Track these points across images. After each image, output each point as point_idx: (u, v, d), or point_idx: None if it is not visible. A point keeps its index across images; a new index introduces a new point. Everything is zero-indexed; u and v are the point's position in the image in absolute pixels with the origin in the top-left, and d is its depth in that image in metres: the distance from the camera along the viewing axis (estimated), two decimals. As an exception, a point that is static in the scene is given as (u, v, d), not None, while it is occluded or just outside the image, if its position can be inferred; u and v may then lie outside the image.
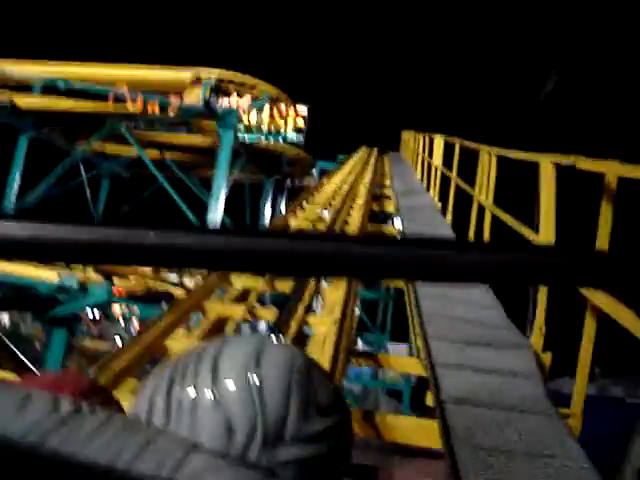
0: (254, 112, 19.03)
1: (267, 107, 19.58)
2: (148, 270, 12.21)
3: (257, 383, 0.70)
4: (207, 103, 17.01)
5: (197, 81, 16.96)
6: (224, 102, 18.24)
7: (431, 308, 4.09)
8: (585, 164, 3.03)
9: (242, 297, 4.50)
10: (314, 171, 22.50)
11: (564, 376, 11.16)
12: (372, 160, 16.77)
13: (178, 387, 0.71)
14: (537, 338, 3.66)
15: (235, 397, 0.69)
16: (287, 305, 4.17)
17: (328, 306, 4.28)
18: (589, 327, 2.94)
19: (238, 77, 18.04)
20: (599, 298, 2.72)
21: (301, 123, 22.72)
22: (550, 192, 3.61)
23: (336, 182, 11.84)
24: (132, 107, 17.95)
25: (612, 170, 2.73)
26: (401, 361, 4.44)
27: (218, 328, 3.96)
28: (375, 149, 21.31)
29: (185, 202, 17.45)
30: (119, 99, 17.99)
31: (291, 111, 21.71)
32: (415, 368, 3.88)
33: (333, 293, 4.41)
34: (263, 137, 20.48)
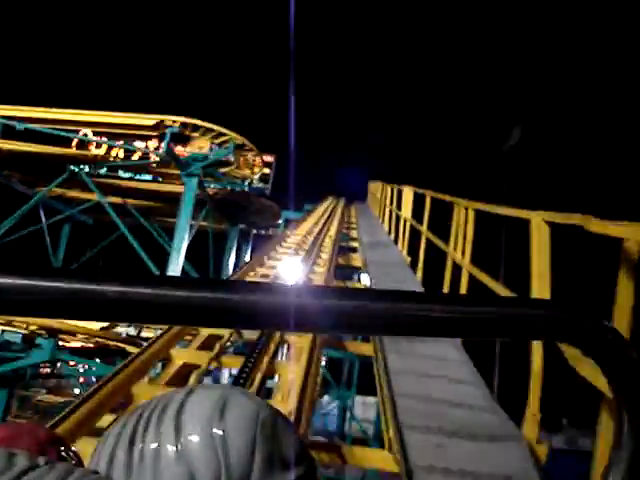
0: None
1: (231, 155, 19.23)
2: (96, 325, 11.29)
3: (221, 436, 0.67)
4: (170, 150, 16.57)
5: (160, 127, 16.28)
6: (187, 149, 17.97)
7: (404, 385, 3.65)
8: (598, 227, 2.66)
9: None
10: (280, 221, 22.17)
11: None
12: (339, 210, 16.64)
13: (140, 440, 0.68)
14: (530, 426, 3.14)
15: (198, 451, 0.66)
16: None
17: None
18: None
19: (203, 124, 17.75)
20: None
21: (267, 172, 22.70)
22: (542, 251, 3.36)
23: (301, 233, 11.29)
24: (95, 152, 17.73)
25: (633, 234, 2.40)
26: (370, 455, 3.81)
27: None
28: (342, 199, 21.25)
29: (149, 250, 16.88)
30: (82, 143, 17.88)
31: (258, 160, 21.50)
32: (388, 464, 3.34)
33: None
34: (228, 186, 20.14)
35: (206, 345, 4.46)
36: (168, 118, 16.93)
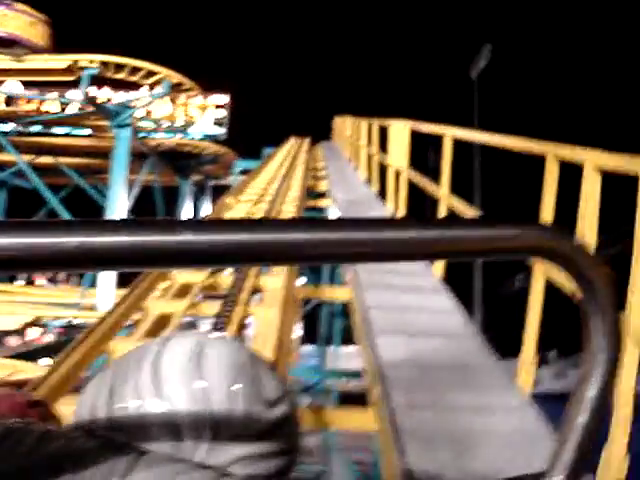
0: (159, 104, 16.52)
1: (168, 98, 16.92)
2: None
3: (200, 383, 0.68)
4: (91, 98, 14.35)
5: (75, 69, 13.00)
6: (116, 95, 15.46)
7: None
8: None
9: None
10: (233, 175, 19.44)
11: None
12: (302, 154, 13.98)
13: (119, 395, 0.69)
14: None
15: (179, 399, 0.67)
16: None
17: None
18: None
19: (127, 62, 14.55)
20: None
21: (221, 114, 19.46)
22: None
23: (255, 192, 8.22)
24: (27, 107, 15.60)
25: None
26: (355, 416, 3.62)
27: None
28: (307, 139, 17.81)
29: (93, 212, 15.35)
30: (10, 100, 15.85)
31: (210, 101, 18.60)
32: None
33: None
34: (172, 134, 17.85)
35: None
36: (83, 58, 14.06)
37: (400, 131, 7.20)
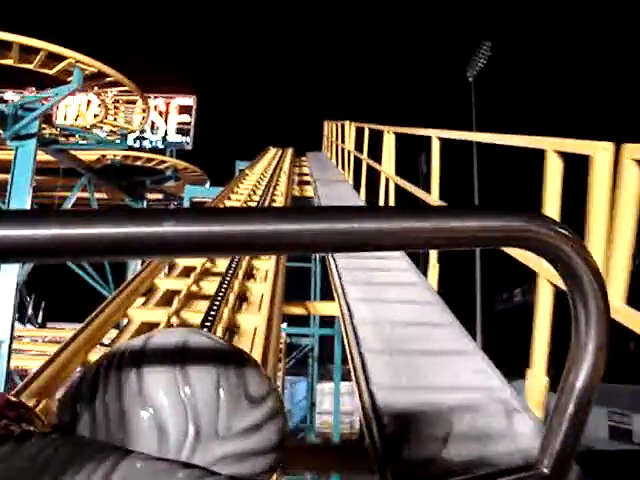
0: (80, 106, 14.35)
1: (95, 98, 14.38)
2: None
3: (184, 381, 0.69)
4: None
5: None
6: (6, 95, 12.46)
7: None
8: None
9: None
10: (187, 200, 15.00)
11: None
12: (285, 167, 11.82)
13: (102, 394, 0.70)
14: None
15: (163, 398, 0.69)
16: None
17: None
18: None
19: (13, 38, 10.56)
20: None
21: (185, 120, 17.27)
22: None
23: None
24: None
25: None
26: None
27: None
28: (289, 150, 15.24)
29: None
30: None
31: (174, 104, 16.77)
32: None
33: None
34: (102, 145, 14.76)
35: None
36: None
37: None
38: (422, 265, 5.39)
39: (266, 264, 5.07)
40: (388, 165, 6.93)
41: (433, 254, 4.87)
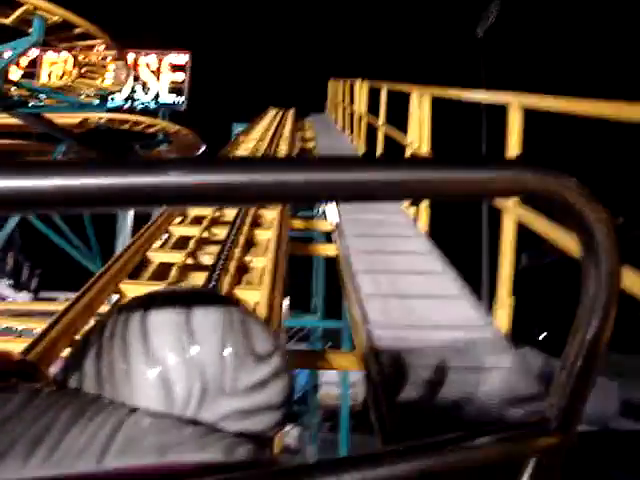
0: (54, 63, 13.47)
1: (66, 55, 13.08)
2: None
3: (190, 338, 0.70)
4: None
5: None
6: None
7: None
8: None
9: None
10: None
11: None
12: (285, 132, 11.10)
13: (107, 352, 0.71)
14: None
15: (169, 355, 0.70)
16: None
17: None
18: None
19: None
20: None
21: (179, 78, 16.14)
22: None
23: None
24: None
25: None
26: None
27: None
28: (290, 111, 14.42)
29: None
30: None
31: (166, 62, 15.54)
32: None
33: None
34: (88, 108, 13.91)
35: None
36: None
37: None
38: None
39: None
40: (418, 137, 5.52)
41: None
